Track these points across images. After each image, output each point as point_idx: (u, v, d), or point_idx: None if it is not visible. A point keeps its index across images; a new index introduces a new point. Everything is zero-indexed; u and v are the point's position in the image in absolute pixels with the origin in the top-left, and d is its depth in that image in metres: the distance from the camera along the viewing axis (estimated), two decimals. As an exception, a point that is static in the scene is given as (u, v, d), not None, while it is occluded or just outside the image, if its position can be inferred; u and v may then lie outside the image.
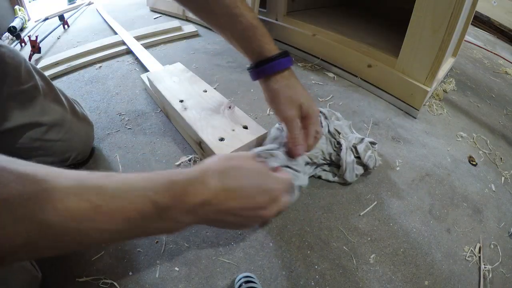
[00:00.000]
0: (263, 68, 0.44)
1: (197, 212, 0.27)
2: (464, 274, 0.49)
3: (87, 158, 0.65)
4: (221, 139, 0.53)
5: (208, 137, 0.53)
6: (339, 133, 0.63)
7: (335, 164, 0.62)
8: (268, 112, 0.78)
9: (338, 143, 0.61)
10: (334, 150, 0.61)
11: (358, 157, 0.61)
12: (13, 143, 0.50)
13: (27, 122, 0.50)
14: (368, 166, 0.60)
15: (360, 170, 0.61)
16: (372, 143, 0.64)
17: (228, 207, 0.29)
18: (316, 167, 0.61)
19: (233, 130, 0.55)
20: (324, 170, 0.62)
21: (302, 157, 0.55)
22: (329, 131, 0.64)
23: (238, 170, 0.31)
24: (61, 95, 0.58)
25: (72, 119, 0.58)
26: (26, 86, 0.50)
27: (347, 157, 0.59)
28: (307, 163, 0.58)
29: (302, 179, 0.54)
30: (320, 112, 0.69)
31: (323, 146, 0.61)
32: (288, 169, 0.52)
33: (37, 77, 0.53)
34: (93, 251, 0.48)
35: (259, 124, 0.60)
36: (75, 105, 0.61)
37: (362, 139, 0.63)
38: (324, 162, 0.61)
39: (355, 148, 0.61)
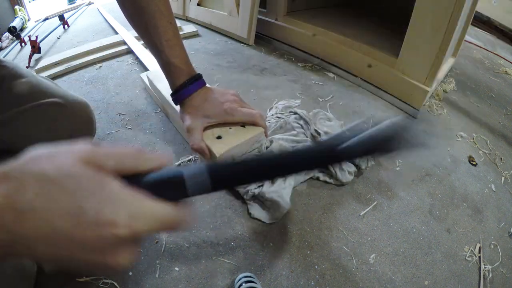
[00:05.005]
0: (175, 98, 0.55)
1: None
2: (464, 274, 0.49)
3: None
4: (218, 137, 0.54)
5: (206, 135, 0.54)
6: (318, 134, 0.63)
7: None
8: (267, 112, 0.78)
9: None
10: None
11: None
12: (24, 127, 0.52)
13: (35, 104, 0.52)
14: (360, 166, 0.61)
15: (351, 167, 0.61)
16: None
17: (24, 237, 0.19)
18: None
19: (230, 128, 0.56)
20: (322, 171, 0.62)
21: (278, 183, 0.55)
22: (311, 133, 0.64)
23: (46, 180, 0.19)
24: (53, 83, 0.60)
25: (69, 98, 0.58)
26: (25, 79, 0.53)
27: None
28: None
29: (286, 196, 0.54)
30: (296, 113, 0.69)
31: None
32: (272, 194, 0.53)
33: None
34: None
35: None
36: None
37: None
38: None
39: None
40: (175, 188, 0.24)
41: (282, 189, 0.54)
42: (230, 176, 0.26)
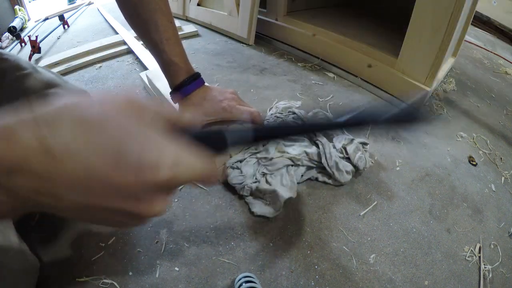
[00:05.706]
0: (174, 96, 0.56)
1: (4, 184, 0.16)
2: (464, 274, 0.49)
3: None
4: None
5: None
6: (314, 134, 0.63)
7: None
8: (267, 112, 0.78)
9: (316, 144, 0.62)
10: (318, 151, 0.62)
11: (348, 158, 0.61)
12: None
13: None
14: (358, 167, 0.60)
15: (348, 166, 0.60)
16: (363, 144, 0.64)
17: (53, 184, 0.17)
18: (308, 169, 0.61)
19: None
20: (320, 172, 0.62)
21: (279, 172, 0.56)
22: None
23: (83, 123, 0.17)
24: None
25: (69, 88, 0.58)
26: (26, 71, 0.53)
27: (328, 161, 0.59)
28: (291, 165, 0.58)
29: (288, 191, 0.54)
30: (294, 113, 0.70)
31: (307, 149, 0.61)
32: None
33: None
34: (93, 251, 0.48)
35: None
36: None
37: (352, 140, 0.63)
38: (312, 164, 0.61)
39: (345, 149, 0.61)
40: (218, 138, 0.25)
41: (280, 186, 0.54)
42: (267, 133, 0.30)
